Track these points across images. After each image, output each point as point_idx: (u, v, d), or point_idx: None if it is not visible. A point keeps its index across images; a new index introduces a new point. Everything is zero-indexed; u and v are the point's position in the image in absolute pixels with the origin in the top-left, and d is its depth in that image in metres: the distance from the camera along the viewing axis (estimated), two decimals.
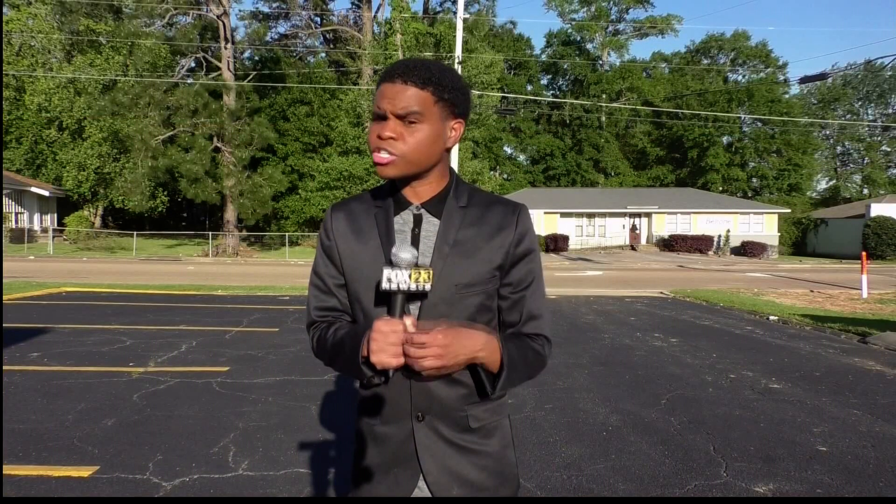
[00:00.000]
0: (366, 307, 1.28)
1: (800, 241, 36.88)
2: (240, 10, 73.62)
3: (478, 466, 1.28)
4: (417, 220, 1.30)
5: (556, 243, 33.14)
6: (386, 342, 1.11)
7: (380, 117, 1.23)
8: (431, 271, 1.17)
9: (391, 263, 1.17)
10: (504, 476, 1.32)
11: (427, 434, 1.27)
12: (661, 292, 13.88)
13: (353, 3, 41.48)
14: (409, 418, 1.27)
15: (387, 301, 1.18)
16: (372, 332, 1.14)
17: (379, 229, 1.29)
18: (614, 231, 37.53)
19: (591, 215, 37.20)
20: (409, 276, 1.14)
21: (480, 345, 1.18)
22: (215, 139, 27.82)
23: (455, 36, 19.41)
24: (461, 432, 1.28)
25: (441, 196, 1.31)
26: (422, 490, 1.28)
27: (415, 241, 1.28)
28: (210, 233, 29.24)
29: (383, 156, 1.22)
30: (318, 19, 40.44)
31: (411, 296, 1.17)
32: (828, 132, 52.22)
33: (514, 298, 1.31)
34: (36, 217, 31.86)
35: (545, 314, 1.34)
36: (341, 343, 1.25)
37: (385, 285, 1.14)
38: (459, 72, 19.36)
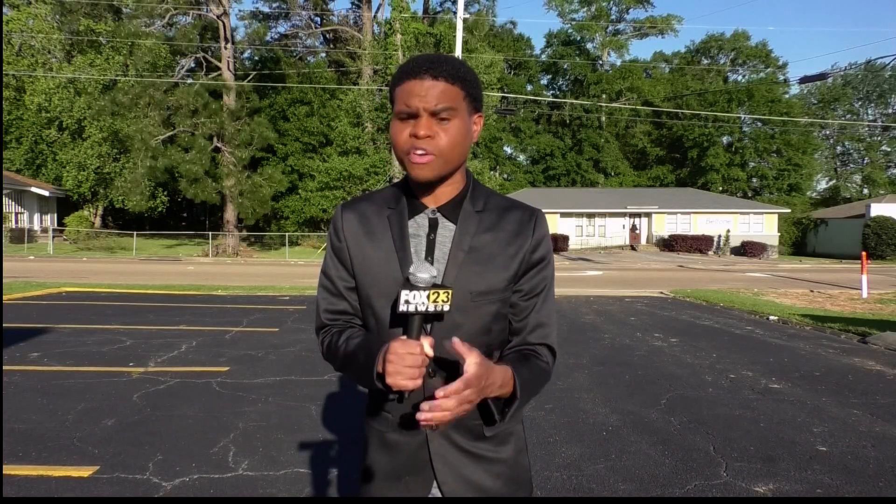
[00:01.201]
0: (377, 312, 1.25)
1: (800, 241, 36.89)
2: (240, 10, 73.60)
3: (492, 474, 1.26)
4: (433, 225, 1.25)
5: (556, 243, 33.14)
6: (402, 364, 1.07)
7: (409, 115, 1.16)
8: (451, 291, 1.11)
9: (409, 283, 1.11)
10: (518, 482, 1.31)
11: (441, 443, 1.24)
12: (661, 292, 13.88)
13: (353, 3, 41.51)
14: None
15: (404, 321, 1.13)
16: (388, 353, 1.09)
17: (392, 232, 1.24)
18: (614, 231, 37.54)
19: (591, 215, 37.21)
20: (428, 298, 1.09)
21: (499, 382, 1.13)
22: (215, 139, 27.83)
23: (455, 36, 19.41)
24: (475, 440, 1.25)
25: (457, 199, 1.26)
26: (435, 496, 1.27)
27: (430, 247, 1.24)
28: (210, 233, 29.24)
29: (421, 158, 1.16)
30: (318, 19, 40.44)
31: (429, 316, 1.13)
32: (828, 132, 52.22)
33: (524, 305, 1.27)
34: (36, 217, 31.87)
35: (553, 323, 1.31)
36: (354, 355, 1.21)
37: (402, 307, 1.09)
38: None
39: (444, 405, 1.05)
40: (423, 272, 1.10)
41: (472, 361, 1.07)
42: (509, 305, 1.28)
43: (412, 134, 1.16)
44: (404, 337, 1.11)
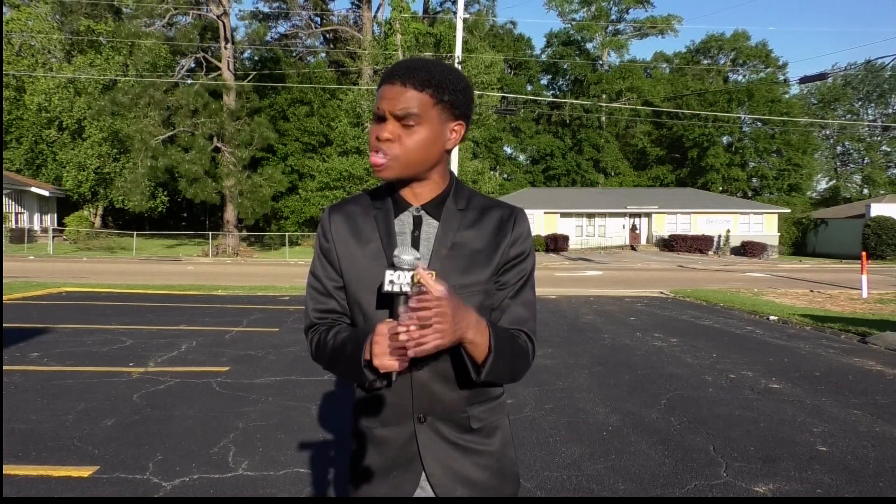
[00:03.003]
0: (366, 310, 1.28)
1: (800, 241, 36.89)
2: (240, 10, 73.64)
3: (480, 466, 1.29)
4: (417, 223, 1.30)
5: (556, 243, 33.13)
6: (388, 345, 1.11)
7: (379, 118, 1.23)
8: (434, 273, 1.14)
9: (393, 265, 1.15)
10: (505, 475, 1.33)
11: (429, 436, 1.27)
12: (661, 292, 13.88)
13: (353, 3, 41.53)
14: (411, 420, 1.26)
15: (389, 303, 1.17)
16: (374, 334, 1.13)
17: (379, 231, 1.28)
18: (614, 231, 37.53)
19: (591, 215, 37.20)
20: (412, 278, 1.13)
21: (474, 322, 1.15)
22: (215, 139, 27.83)
23: (455, 36, 19.41)
24: (463, 433, 1.28)
25: (440, 198, 1.31)
26: (424, 490, 1.29)
27: (414, 244, 1.27)
28: (210, 233, 29.24)
29: (379, 158, 1.22)
30: (318, 19, 40.46)
31: None
32: (828, 132, 52.22)
33: (501, 295, 1.31)
34: (36, 217, 31.86)
35: (532, 315, 1.34)
36: (342, 346, 1.24)
37: (387, 287, 1.13)
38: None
39: (423, 315, 1.06)
40: (406, 254, 1.15)
41: (440, 288, 1.09)
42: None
43: (377, 136, 1.22)
44: (390, 319, 1.14)
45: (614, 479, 3.45)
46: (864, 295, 12.80)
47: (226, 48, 29.59)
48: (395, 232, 1.28)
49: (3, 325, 7.66)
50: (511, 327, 1.30)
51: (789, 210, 37.98)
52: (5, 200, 28.73)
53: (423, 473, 1.27)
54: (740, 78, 52.13)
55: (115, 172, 30.73)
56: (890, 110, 52.58)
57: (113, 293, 12.02)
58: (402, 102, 1.19)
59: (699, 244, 34.52)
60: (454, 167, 19.82)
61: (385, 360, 1.11)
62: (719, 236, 35.16)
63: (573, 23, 51.68)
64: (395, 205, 1.31)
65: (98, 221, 34.09)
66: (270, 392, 5.13)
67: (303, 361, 6.24)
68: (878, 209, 32.07)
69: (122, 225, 37.60)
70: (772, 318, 9.93)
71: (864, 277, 13.13)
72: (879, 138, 51.66)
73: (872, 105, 53.24)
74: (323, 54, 40.74)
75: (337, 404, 4.85)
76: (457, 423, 1.28)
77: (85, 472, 3.41)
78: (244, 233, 33.07)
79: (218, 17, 28.77)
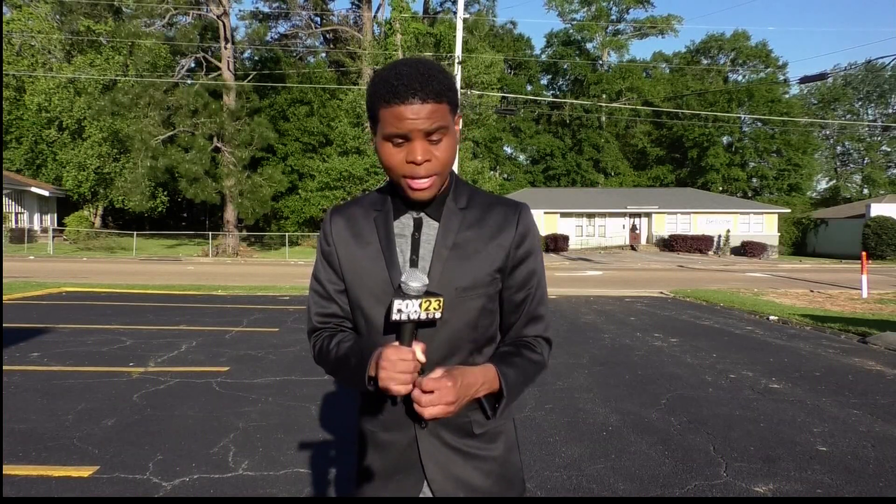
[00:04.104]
0: (367, 313, 1.27)
1: (800, 241, 36.89)
2: (240, 10, 73.72)
3: (483, 472, 1.27)
4: (417, 224, 1.28)
5: (556, 243, 33.14)
6: (395, 370, 1.10)
7: (402, 138, 1.16)
8: (442, 299, 1.14)
9: (401, 292, 1.13)
10: (509, 480, 1.31)
11: (431, 441, 1.26)
12: (661, 292, 13.88)
13: (353, 3, 41.49)
14: (413, 425, 1.25)
15: (396, 328, 1.15)
16: (380, 359, 1.12)
17: (379, 234, 1.27)
18: (614, 231, 37.53)
19: (591, 215, 37.21)
20: (420, 306, 1.11)
21: (480, 382, 1.18)
22: (215, 139, 27.83)
23: (455, 36, 19.42)
24: (465, 438, 1.27)
25: (441, 198, 1.28)
26: (427, 495, 1.28)
27: (415, 246, 1.26)
28: (210, 233, 29.24)
29: (422, 182, 1.18)
30: (318, 19, 40.43)
31: (421, 323, 1.14)
32: (828, 132, 52.22)
33: (515, 300, 1.29)
34: (36, 217, 31.86)
35: (546, 315, 1.33)
36: (346, 358, 1.24)
37: (395, 316, 1.12)
38: (459, 72, 19.37)
39: (425, 398, 1.11)
40: (414, 281, 1.12)
41: (432, 375, 1.13)
42: (502, 302, 1.30)
43: (409, 160, 1.16)
44: (396, 343, 1.13)
45: (614, 479, 3.45)
46: (864, 295, 12.80)
47: (226, 48, 29.59)
48: (395, 234, 1.27)
49: (3, 325, 7.66)
50: (527, 334, 1.31)
51: (789, 210, 37.99)
52: (5, 200, 28.74)
53: (425, 479, 1.27)
54: (740, 78, 52.15)
55: (115, 172, 30.73)
56: (890, 110, 52.60)
57: (113, 293, 12.02)
58: (430, 119, 1.14)
59: (699, 244, 34.53)
60: (454, 167, 19.80)
61: (392, 385, 1.11)
62: (719, 236, 35.16)
63: (573, 23, 51.71)
64: (395, 207, 1.29)
65: (98, 221, 34.09)
66: (270, 392, 5.13)
67: (303, 361, 6.24)
68: (878, 209, 32.08)
69: (122, 225, 37.60)
70: (772, 318, 9.93)
71: (864, 277, 13.13)
72: (879, 138, 51.65)
73: (872, 105, 53.25)
74: (323, 54, 40.72)
75: (337, 404, 4.85)
76: (459, 428, 1.26)
77: (85, 472, 3.41)
78: (244, 233, 33.08)
79: (218, 17, 28.77)
